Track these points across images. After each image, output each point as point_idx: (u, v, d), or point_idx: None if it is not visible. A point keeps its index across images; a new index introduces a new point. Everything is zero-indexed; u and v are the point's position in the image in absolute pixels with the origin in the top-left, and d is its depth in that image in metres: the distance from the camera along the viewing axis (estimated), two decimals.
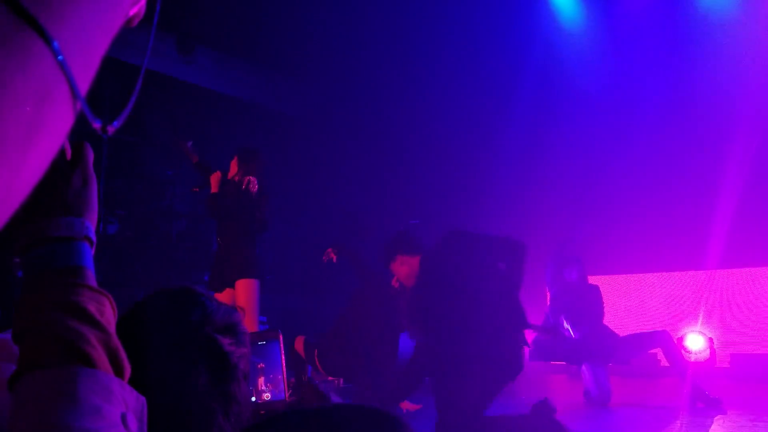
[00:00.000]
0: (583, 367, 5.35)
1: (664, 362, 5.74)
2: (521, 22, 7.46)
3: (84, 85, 0.46)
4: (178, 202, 8.25)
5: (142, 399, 0.66)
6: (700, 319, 6.69)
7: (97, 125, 0.59)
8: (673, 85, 7.00)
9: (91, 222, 0.71)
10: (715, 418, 4.68)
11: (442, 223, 8.05)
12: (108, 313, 0.68)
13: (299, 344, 5.32)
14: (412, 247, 4.37)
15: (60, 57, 0.42)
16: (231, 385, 1.04)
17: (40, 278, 0.66)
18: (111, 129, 0.61)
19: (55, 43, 0.41)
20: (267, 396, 1.73)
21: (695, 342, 6.44)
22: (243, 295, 4.96)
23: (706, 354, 6.42)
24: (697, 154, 6.82)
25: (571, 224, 7.62)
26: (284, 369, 2.35)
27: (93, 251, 0.71)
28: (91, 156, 0.72)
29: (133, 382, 0.66)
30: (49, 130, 0.42)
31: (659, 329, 5.48)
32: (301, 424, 0.79)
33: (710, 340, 6.48)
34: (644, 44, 7.14)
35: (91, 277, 0.69)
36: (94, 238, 0.71)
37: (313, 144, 8.55)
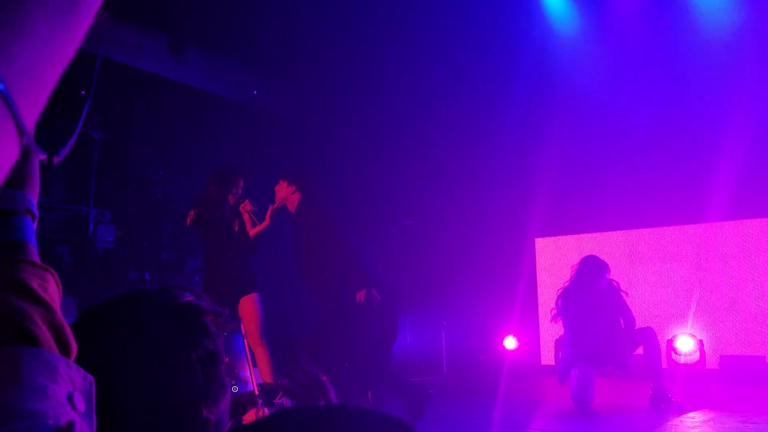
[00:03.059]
0: (573, 369, 5.35)
1: None
2: (515, 24, 7.47)
3: (31, 120, 0.46)
4: (169, 203, 8.22)
5: (90, 377, 0.63)
6: (690, 320, 6.71)
7: (42, 157, 0.59)
8: (665, 88, 7.04)
9: (33, 195, 0.69)
10: (704, 420, 4.70)
11: (435, 224, 8.10)
12: (52, 290, 0.65)
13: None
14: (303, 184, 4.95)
15: (5, 93, 0.42)
16: (168, 372, 0.96)
17: None
18: (56, 159, 0.61)
19: (1, 84, 0.41)
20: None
21: (685, 344, 6.46)
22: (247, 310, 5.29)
23: (696, 356, 6.44)
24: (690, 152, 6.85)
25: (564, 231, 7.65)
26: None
27: (35, 225, 0.69)
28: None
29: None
30: None
31: (645, 326, 5.49)
32: (309, 422, 0.77)
33: (700, 342, 6.50)
34: (638, 47, 7.17)
35: (33, 252, 0.66)
36: (37, 212, 0.69)
37: (305, 144, 8.54)
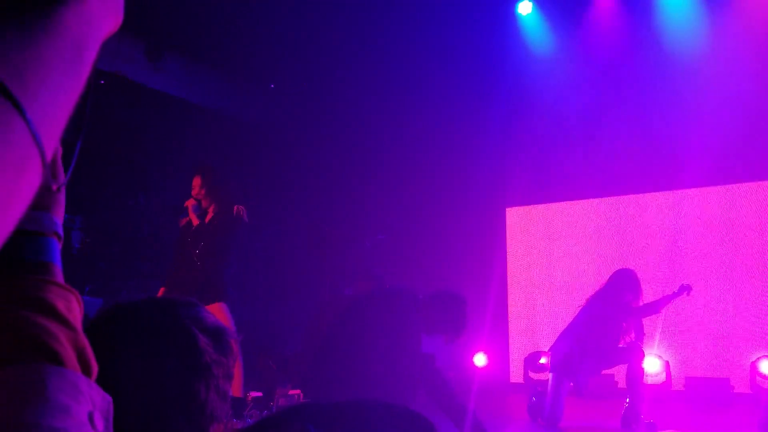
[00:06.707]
0: (548, 387, 5.33)
1: (621, 384, 5.77)
2: (492, 42, 7.58)
3: (50, 153, 0.52)
4: (142, 210, 8.14)
5: (108, 398, 0.65)
6: (656, 341, 6.79)
7: (54, 187, 0.67)
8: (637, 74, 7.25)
9: (59, 217, 0.71)
10: None
11: (409, 238, 8.11)
12: (75, 310, 0.67)
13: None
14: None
15: (36, 135, 0.48)
16: (199, 386, 1.00)
17: (6, 274, 0.65)
18: (59, 185, 0.69)
19: (30, 119, 0.47)
20: None
21: (652, 365, 6.53)
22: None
23: (662, 377, 6.52)
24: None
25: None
26: None
27: (60, 247, 0.71)
28: (59, 151, 0.73)
29: (105, 370, 0.65)
30: (22, 196, 0.49)
31: (636, 344, 5.23)
32: (330, 416, 0.77)
33: (666, 363, 6.59)
34: (612, 68, 7.32)
35: (59, 274, 0.68)
36: (62, 234, 0.71)
37: (279, 153, 8.53)
